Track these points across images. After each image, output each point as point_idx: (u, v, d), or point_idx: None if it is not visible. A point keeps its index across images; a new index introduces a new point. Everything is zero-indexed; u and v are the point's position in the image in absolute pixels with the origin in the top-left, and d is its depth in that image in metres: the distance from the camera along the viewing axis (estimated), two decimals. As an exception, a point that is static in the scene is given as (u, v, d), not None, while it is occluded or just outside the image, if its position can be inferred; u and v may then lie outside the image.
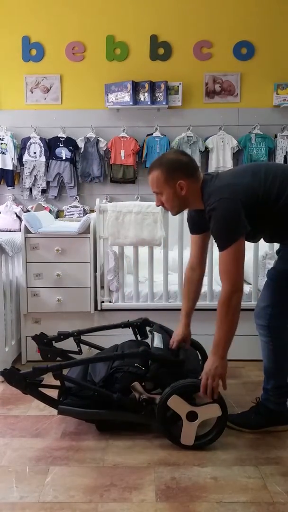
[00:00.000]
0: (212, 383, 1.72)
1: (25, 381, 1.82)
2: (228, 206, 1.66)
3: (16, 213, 4.10)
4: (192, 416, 1.75)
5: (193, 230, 2.00)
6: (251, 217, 1.68)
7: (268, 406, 1.89)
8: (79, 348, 2.19)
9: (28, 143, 4.09)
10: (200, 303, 2.63)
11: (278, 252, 1.90)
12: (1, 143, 4.08)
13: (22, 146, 4.12)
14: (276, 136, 4.10)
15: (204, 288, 2.64)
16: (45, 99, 4.18)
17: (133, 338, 2.25)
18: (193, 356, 2.11)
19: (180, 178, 1.75)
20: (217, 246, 1.71)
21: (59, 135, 4.12)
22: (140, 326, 2.23)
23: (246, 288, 2.65)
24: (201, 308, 2.63)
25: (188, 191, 1.77)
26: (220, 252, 1.70)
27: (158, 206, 1.87)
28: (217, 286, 2.65)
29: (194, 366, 2.00)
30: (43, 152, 4.10)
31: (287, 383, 1.90)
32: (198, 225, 1.95)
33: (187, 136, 4.07)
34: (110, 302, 2.66)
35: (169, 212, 1.90)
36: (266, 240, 1.96)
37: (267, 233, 1.86)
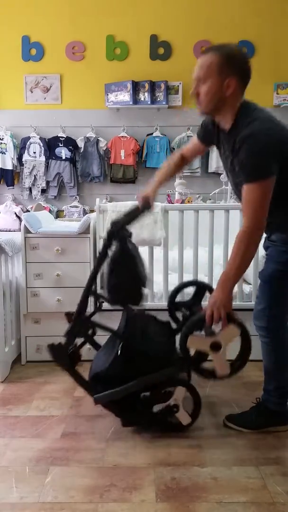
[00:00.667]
0: (217, 315, 1.67)
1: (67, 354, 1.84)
2: (268, 140, 1.55)
3: (16, 213, 4.10)
4: (216, 347, 1.73)
5: (200, 136, 1.91)
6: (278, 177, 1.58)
7: (268, 407, 1.88)
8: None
9: (28, 143, 4.09)
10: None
11: (266, 248, 1.85)
12: (1, 143, 4.08)
13: (21, 146, 4.12)
14: (276, 136, 4.10)
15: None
16: (45, 98, 4.18)
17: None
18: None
19: (234, 75, 1.59)
20: (245, 178, 1.59)
21: (59, 135, 4.12)
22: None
23: (246, 288, 2.65)
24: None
25: (232, 94, 1.61)
26: (248, 185, 1.58)
27: (191, 94, 1.67)
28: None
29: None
30: (42, 152, 4.10)
31: (287, 383, 1.89)
32: (208, 137, 1.86)
33: (187, 136, 4.07)
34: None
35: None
36: (267, 228, 1.77)
37: (280, 213, 1.70)
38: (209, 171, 4.18)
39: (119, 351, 1.83)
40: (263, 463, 1.70)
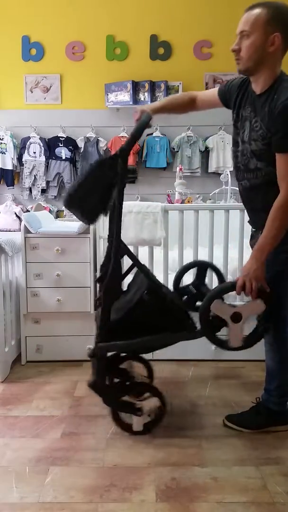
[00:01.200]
0: (249, 286, 1.65)
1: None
2: None
3: (16, 213, 4.10)
4: (236, 318, 1.72)
5: (221, 92, 1.83)
6: None
7: (269, 407, 1.88)
8: None
9: (28, 143, 4.09)
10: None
11: (252, 245, 1.79)
12: (1, 143, 4.08)
13: (21, 146, 4.12)
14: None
15: (204, 288, 2.64)
16: (45, 98, 4.18)
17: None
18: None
19: (281, 30, 1.53)
20: (280, 147, 1.55)
21: (59, 135, 4.12)
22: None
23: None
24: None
25: (275, 52, 1.55)
26: (282, 155, 1.54)
27: (233, 50, 1.60)
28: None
29: None
30: (42, 151, 4.10)
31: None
32: (228, 96, 1.80)
33: (187, 136, 4.07)
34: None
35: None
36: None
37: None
38: (209, 171, 4.18)
39: (139, 299, 1.80)
40: (263, 463, 1.70)
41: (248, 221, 1.90)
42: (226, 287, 1.75)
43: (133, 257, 1.83)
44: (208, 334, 1.77)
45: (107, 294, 1.76)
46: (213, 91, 1.89)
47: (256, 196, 1.73)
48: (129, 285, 2.06)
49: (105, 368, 1.85)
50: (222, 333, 1.77)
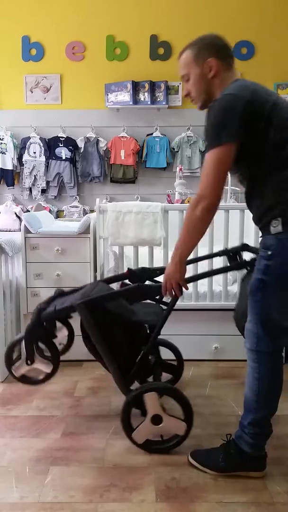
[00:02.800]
0: (169, 286, 1.67)
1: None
2: (227, 100, 1.44)
3: (16, 213, 4.10)
4: (157, 420, 1.73)
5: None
6: (250, 137, 1.45)
7: (240, 446, 1.61)
8: None
9: (28, 143, 4.09)
10: (200, 303, 2.64)
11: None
12: (1, 143, 4.08)
13: (22, 146, 4.12)
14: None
15: (204, 288, 2.64)
16: (45, 99, 4.18)
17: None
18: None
19: (210, 55, 1.56)
20: (206, 145, 1.53)
21: (59, 135, 4.11)
22: (238, 253, 2.03)
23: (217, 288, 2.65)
24: (201, 308, 2.64)
25: (217, 73, 1.56)
26: (207, 153, 1.51)
27: (185, 96, 1.66)
28: (218, 286, 2.65)
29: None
30: (43, 152, 4.10)
31: (267, 423, 1.61)
32: None
33: (187, 136, 4.07)
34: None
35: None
36: (254, 213, 1.62)
37: (257, 190, 1.54)
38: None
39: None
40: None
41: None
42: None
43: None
44: (156, 451, 1.77)
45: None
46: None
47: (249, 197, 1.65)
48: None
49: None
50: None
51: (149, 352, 1.86)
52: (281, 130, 1.43)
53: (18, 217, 4.06)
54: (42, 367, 1.96)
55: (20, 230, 2.66)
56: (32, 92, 4.17)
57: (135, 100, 4.02)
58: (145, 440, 1.75)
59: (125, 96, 4.01)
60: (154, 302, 2.02)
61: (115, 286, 2.17)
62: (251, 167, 1.52)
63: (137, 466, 1.70)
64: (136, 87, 4.02)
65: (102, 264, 2.69)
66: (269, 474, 1.63)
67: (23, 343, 1.94)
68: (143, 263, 2.65)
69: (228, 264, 2.00)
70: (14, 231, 3.90)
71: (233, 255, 1.99)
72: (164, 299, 1.93)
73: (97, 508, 1.48)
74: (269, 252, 1.47)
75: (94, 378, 2.46)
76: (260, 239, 1.56)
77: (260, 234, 1.56)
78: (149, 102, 4.02)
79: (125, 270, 2.15)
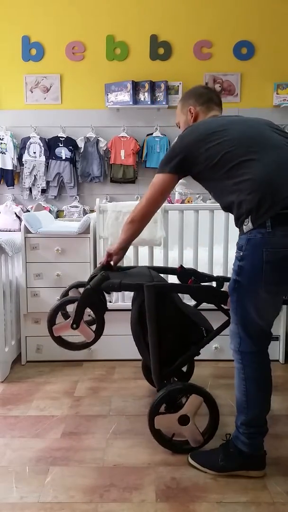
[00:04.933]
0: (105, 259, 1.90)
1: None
2: (178, 138, 1.71)
3: (16, 213, 4.09)
4: (184, 420, 1.72)
5: None
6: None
7: (238, 446, 1.62)
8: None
9: (28, 143, 4.09)
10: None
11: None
12: (1, 143, 4.08)
13: (21, 146, 4.11)
14: (276, 136, 4.09)
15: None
16: (45, 98, 4.17)
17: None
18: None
19: (191, 104, 1.81)
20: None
21: (59, 135, 4.11)
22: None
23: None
24: (200, 308, 2.63)
25: (196, 117, 1.80)
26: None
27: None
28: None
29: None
30: (43, 152, 4.10)
31: (260, 422, 1.62)
32: None
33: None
34: (110, 302, 2.66)
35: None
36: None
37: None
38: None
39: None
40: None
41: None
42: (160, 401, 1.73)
43: None
44: (163, 444, 1.77)
45: None
46: None
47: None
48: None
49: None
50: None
51: (195, 354, 1.87)
52: (217, 153, 1.57)
53: (18, 217, 4.06)
54: (85, 334, 1.90)
55: (20, 230, 2.66)
56: (32, 92, 4.17)
57: (135, 100, 4.01)
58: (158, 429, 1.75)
59: (125, 96, 4.01)
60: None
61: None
62: (211, 180, 1.65)
63: (137, 466, 1.70)
64: (136, 87, 4.02)
65: (102, 264, 2.69)
66: (269, 474, 1.64)
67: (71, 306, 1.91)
68: (143, 263, 2.65)
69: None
70: (14, 231, 3.89)
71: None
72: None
73: (97, 508, 1.48)
74: (241, 253, 1.51)
75: (94, 378, 2.46)
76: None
77: None
78: (149, 102, 4.02)
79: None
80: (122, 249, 1.88)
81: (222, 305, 1.81)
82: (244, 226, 1.50)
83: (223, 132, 1.59)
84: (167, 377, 1.85)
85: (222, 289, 1.94)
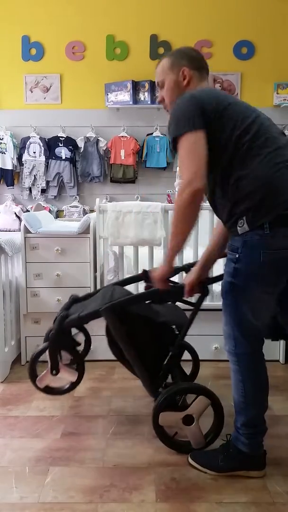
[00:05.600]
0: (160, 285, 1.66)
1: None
2: (184, 98, 1.51)
3: (15, 213, 4.09)
4: (188, 420, 1.72)
5: None
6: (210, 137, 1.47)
7: (238, 447, 1.62)
8: None
9: (28, 143, 4.09)
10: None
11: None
12: (1, 143, 4.07)
13: (21, 146, 4.11)
14: (276, 136, 4.09)
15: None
16: (44, 98, 4.17)
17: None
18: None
19: (185, 65, 1.62)
20: (172, 139, 1.52)
21: (58, 135, 4.11)
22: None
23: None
24: (201, 308, 2.63)
25: (190, 82, 1.62)
26: (178, 145, 1.50)
27: (159, 102, 1.72)
28: (218, 286, 2.64)
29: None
30: (42, 151, 4.09)
31: (259, 422, 1.62)
32: None
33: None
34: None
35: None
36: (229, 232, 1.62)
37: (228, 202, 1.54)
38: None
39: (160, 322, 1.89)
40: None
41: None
42: (171, 396, 1.73)
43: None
44: (165, 441, 1.77)
45: None
46: None
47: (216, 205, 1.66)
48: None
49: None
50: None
51: (177, 353, 1.86)
52: (235, 127, 1.47)
53: (18, 217, 4.06)
54: (67, 375, 1.92)
55: (20, 230, 2.66)
56: (32, 92, 4.17)
57: (135, 100, 4.01)
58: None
59: (125, 96, 4.01)
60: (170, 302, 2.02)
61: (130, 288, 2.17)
62: (212, 165, 1.50)
63: (137, 466, 1.70)
64: (136, 86, 4.01)
65: (102, 264, 2.69)
66: (269, 474, 1.64)
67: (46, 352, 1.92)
68: (143, 263, 2.65)
69: None
70: (14, 231, 3.89)
71: None
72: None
73: (97, 508, 1.48)
74: (237, 255, 1.47)
75: (94, 378, 2.46)
76: (229, 242, 1.56)
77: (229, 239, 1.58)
78: (149, 102, 4.01)
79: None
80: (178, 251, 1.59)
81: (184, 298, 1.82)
82: (238, 228, 1.47)
83: (245, 110, 1.50)
84: (159, 385, 1.85)
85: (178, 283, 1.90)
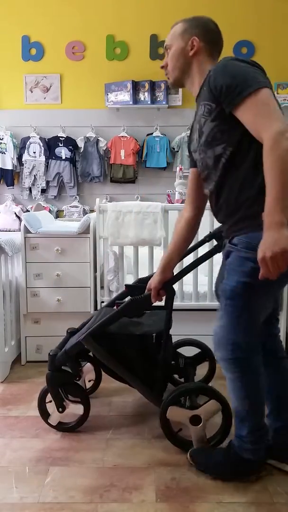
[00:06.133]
0: (276, 265, 1.23)
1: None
2: (233, 60, 1.39)
3: (15, 213, 4.09)
4: (195, 420, 1.72)
5: (193, 161, 1.66)
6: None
7: (242, 455, 1.56)
8: None
9: (28, 143, 4.09)
10: (200, 303, 2.64)
11: (226, 255, 1.50)
12: (1, 143, 4.07)
13: (21, 146, 4.11)
14: (276, 136, 4.09)
15: (204, 288, 2.64)
16: (44, 98, 4.17)
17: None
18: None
19: (196, 34, 1.51)
20: (231, 103, 1.33)
21: (58, 135, 4.11)
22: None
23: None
24: (201, 308, 2.63)
25: (197, 54, 1.51)
26: (240, 109, 1.32)
27: (161, 67, 1.61)
28: (203, 287, 2.64)
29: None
30: (42, 151, 4.09)
31: (262, 422, 1.56)
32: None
33: (187, 136, 4.06)
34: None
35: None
36: (228, 229, 1.50)
37: (244, 200, 1.40)
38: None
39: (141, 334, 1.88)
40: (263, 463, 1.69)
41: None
42: (181, 393, 1.75)
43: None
44: (168, 436, 1.77)
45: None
46: (190, 174, 1.70)
47: (224, 192, 1.48)
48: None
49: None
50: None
51: (165, 359, 1.86)
52: None
53: (18, 217, 4.06)
54: (74, 410, 1.92)
55: (20, 230, 2.66)
56: (32, 92, 4.17)
57: (135, 100, 4.01)
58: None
59: (125, 96, 4.01)
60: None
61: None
62: (250, 140, 1.35)
63: (137, 466, 1.70)
64: (136, 86, 4.02)
65: (102, 264, 2.69)
66: (269, 474, 1.63)
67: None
68: (143, 263, 2.65)
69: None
70: (14, 231, 3.89)
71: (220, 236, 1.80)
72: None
73: (97, 508, 1.48)
74: (255, 254, 1.28)
75: (94, 378, 2.46)
76: (236, 239, 1.43)
77: (231, 235, 1.46)
78: (149, 102, 4.02)
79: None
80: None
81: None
82: (260, 222, 1.28)
83: None
84: (160, 392, 1.85)
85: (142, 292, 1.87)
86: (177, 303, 2.54)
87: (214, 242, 1.92)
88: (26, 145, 4.09)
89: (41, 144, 4.09)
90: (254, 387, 1.51)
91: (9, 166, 4.11)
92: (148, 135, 4.12)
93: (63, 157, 4.11)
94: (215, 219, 1.62)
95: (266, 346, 1.62)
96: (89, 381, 2.21)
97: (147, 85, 4.00)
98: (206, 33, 1.54)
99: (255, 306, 1.44)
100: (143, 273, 2.69)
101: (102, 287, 2.69)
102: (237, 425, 1.57)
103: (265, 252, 1.22)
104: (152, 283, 1.76)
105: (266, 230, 1.24)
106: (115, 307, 1.95)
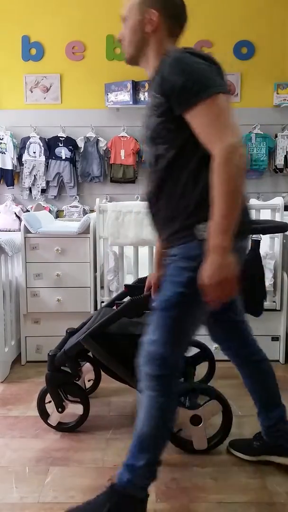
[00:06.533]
0: (219, 293, 1.18)
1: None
2: (191, 55, 1.23)
3: (15, 213, 4.10)
4: (196, 421, 1.72)
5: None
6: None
7: (130, 492, 1.34)
8: None
9: (28, 143, 4.09)
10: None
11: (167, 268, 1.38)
12: (1, 143, 4.08)
13: (21, 146, 4.11)
14: (276, 136, 4.10)
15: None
16: (44, 98, 4.17)
17: None
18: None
19: (155, 8, 1.32)
20: (182, 105, 1.19)
21: (58, 135, 4.11)
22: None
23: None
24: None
25: (155, 31, 1.33)
26: (191, 113, 1.19)
27: (118, 40, 1.46)
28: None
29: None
30: (42, 151, 4.10)
31: (160, 460, 1.39)
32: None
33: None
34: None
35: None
36: (168, 240, 1.37)
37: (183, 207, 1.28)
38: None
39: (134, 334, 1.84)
40: (263, 463, 1.69)
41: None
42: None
43: None
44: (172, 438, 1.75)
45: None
46: None
47: (161, 196, 1.35)
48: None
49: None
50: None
51: None
52: None
53: (18, 217, 4.06)
54: (74, 409, 1.92)
55: (20, 230, 2.66)
56: (32, 92, 4.17)
57: (135, 100, 4.02)
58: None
59: (125, 96, 4.01)
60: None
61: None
62: (193, 147, 1.23)
63: (137, 466, 1.70)
64: (136, 86, 4.02)
65: (102, 264, 2.69)
66: (269, 474, 1.63)
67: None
68: (143, 263, 2.65)
69: None
70: (14, 231, 3.89)
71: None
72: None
73: (97, 508, 1.48)
74: (195, 264, 1.22)
75: (94, 378, 2.46)
76: (175, 249, 1.32)
77: (170, 246, 1.34)
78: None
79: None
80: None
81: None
82: (197, 232, 1.24)
83: None
84: None
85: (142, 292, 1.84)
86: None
87: None
88: (26, 145, 4.09)
89: (41, 144, 4.09)
90: (169, 410, 1.37)
91: (9, 166, 4.11)
92: (148, 135, 4.12)
93: (63, 157, 4.11)
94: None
95: (247, 345, 1.64)
96: (89, 381, 2.21)
97: (147, 85, 4.00)
98: (169, 7, 1.34)
99: (188, 319, 1.33)
100: (143, 273, 2.69)
101: (102, 287, 2.69)
102: (134, 453, 1.35)
103: (209, 279, 1.16)
104: (151, 279, 1.74)
105: (210, 253, 1.17)
106: (114, 307, 1.95)
